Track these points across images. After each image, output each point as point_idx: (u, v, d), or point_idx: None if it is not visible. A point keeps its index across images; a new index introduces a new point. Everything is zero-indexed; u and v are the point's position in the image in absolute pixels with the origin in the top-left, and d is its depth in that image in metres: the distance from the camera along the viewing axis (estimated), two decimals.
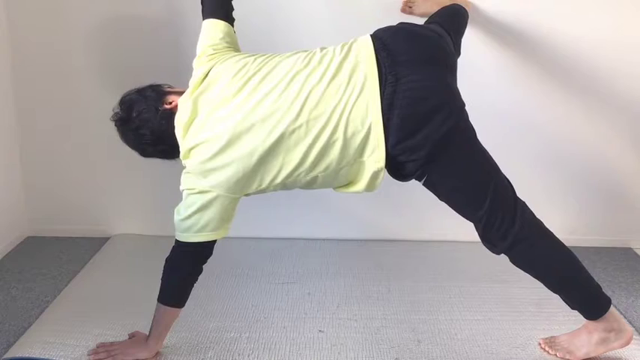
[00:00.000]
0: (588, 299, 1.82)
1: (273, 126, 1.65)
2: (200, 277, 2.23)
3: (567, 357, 1.85)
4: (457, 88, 1.80)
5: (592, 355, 1.84)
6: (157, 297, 1.80)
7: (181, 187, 1.79)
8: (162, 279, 1.79)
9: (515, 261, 1.80)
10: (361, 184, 1.72)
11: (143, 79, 2.64)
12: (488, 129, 2.63)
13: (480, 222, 1.76)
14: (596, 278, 2.41)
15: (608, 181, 2.73)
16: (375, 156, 1.66)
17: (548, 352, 1.88)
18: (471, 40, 2.59)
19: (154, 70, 2.63)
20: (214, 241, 1.77)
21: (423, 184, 1.75)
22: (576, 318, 1.85)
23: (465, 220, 1.85)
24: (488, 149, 1.86)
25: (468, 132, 1.76)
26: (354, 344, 1.92)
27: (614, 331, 1.82)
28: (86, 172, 2.76)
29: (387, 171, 1.72)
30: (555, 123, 2.66)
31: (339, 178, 1.73)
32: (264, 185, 1.71)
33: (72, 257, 2.60)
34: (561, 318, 2.03)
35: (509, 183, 1.82)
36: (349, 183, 1.76)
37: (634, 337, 1.86)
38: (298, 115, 1.64)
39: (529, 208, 1.82)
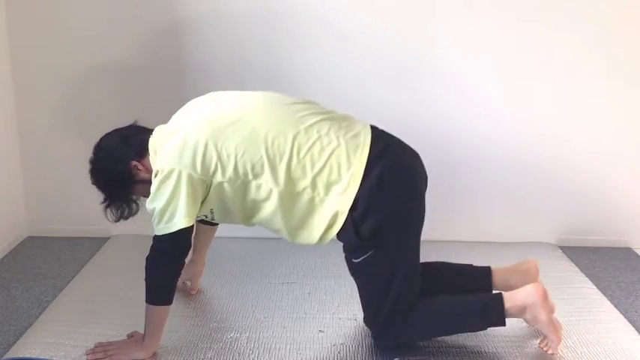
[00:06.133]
0: (483, 319, 1.84)
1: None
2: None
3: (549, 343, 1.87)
4: None
5: (550, 326, 1.82)
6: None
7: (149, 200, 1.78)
8: (147, 279, 1.79)
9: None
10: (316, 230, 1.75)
11: (143, 80, 2.66)
12: (490, 133, 2.66)
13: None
14: (596, 278, 2.44)
15: (608, 182, 2.73)
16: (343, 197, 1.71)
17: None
18: (468, 44, 2.60)
19: (154, 71, 2.64)
20: (191, 231, 1.76)
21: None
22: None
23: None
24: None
25: None
26: (354, 344, 1.91)
27: (526, 308, 1.79)
28: (86, 172, 2.73)
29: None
30: (555, 123, 2.66)
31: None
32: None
33: (72, 257, 2.60)
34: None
35: None
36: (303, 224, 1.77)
37: (541, 286, 1.82)
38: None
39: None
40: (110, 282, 2.31)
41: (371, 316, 1.87)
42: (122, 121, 2.67)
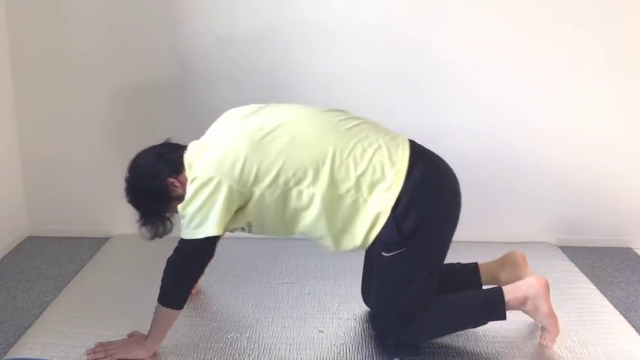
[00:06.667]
0: (484, 314, 1.85)
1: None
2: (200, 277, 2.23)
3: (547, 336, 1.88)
4: None
5: (551, 317, 1.84)
6: (156, 297, 1.78)
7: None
8: (164, 280, 1.78)
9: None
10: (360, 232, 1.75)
11: (144, 80, 2.66)
12: (489, 133, 2.66)
13: None
14: (596, 278, 2.44)
15: (608, 182, 2.73)
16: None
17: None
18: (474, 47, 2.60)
19: (155, 71, 2.64)
20: (217, 240, 1.76)
21: None
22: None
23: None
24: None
25: None
26: (354, 344, 1.91)
27: (527, 300, 1.81)
28: (86, 172, 2.76)
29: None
30: (555, 123, 2.66)
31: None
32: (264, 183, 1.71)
33: (72, 257, 2.60)
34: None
35: None
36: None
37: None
38: None
39: None
40: (110, 282, 2.31)
41: (381, 313, 1.86)
42: (122, 121, 2.69)
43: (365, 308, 2.10)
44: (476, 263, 2.01)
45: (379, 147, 1.75)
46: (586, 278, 2.40)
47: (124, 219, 2.79)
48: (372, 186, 1.72)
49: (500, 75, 2.61)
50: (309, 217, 1.74)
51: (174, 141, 1.95)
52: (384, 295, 1.85)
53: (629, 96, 2.64)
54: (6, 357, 1.83)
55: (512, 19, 2.55)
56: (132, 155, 2.82)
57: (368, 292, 2.02)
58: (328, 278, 2.34)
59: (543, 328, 1.88)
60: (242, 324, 2.02)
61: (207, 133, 1.89)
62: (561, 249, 2.71)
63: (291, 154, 1.71)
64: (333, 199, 1.72)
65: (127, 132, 2.70)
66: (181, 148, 1.86)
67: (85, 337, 1.90)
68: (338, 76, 2.62)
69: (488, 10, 2.55)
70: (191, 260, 1.77)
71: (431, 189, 1.77)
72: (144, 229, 1.89)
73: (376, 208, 1.72)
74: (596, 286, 2.34)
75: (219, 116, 2.64)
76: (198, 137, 2.67)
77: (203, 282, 2.25)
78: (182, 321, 1.93)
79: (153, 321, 1.80)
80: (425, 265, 1.80)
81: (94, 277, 2.37)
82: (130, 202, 1.90)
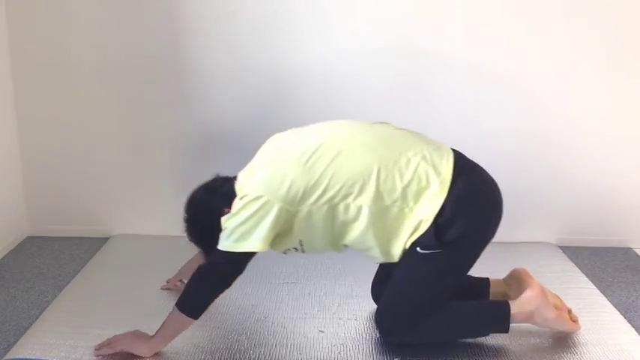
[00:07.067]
0: (489, 325, 1.88)
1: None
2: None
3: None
4: None
5: (561, 319, 1.89)
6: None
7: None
8: (189, 286, 1.78)
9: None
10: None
11: (144, 80, 2.66)
12: (489, 132, 2.66)
13: None
14: (596, 278, 2.44)
15: (607, 182, 2.73)
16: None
17: None
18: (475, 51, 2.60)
19: (155, 71, 2.64)
20: (250, 259, 1.77)
21: None
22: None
23: None
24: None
25: None
26: (355, 344, 1.91)
27: (533, 313, 1.85)
28: (86, 172, 2.76)
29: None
30: (555, 123, 2.66)
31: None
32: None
33: (72, 257, 2.60)
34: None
35: None
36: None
37: (544, 292, 1.88)
38: None
39: None
40: (110, 282, 2.31)
41: (393, 310, 1.85)
42: (122, 121, 2.69)
43: (365, 309, 2.11)
44: (487, 278, 2.03)
45: (424, 157, 1.76)
46: (586, 278, 2.40)
47: (124, 219, 2.81)
48: (418, 195, 1.73)
49: (500, 74, 2.61)
50: (358, 230, 1.76)
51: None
52: (404, 290, 1.83)
53: (629, 96, 2.64)
54: (6, 357, 1.83)
55: (511, 17, 2.55)
56: (132, 155, 2.84)
57: (379, 287, 2.01)
58: (328, 278, 2.34)
59: (562, 332, 1.91)
60: (242, 324, 2.02)
61: (254, 158, 1.91)
62: (561, 249, 2.70)
63: (336, 171, 1.72)
64: (380, 210, 1.73)
65: (127, 132, 2.70)
66: (231, 180, 1.87)
67: (85, 337, 1.89)
68: (338, 76, 2.62)
69: (488, 12, 2.55)
70: (222, 272, 1.77)
71: (476, 199, 1.79)
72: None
73: (420, 215, 1.74)
74: (596, 286, 2.34)
75: (219, 115, 2.67)
76: (198, 137, 2.70)
77: None
78: None
79: (165, 322, 1.79)
80: (455, 270, 1.83)
81: (94, 277, 2.37)
82: (191, 241, 1.91)
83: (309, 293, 2.23)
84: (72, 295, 2.22)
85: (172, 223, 2.77)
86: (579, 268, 2.50)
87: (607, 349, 1.89)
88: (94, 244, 2.69)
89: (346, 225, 1.76)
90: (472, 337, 1.90)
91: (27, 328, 2.00)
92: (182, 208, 2.73)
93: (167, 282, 2.23)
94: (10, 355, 1.84)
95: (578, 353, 1.87)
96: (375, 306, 2.02)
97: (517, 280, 1.96)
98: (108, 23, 2.58)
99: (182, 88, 2.64)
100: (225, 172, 2.69)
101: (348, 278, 2.34)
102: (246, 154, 2.69)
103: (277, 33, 2.58)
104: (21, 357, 1.80)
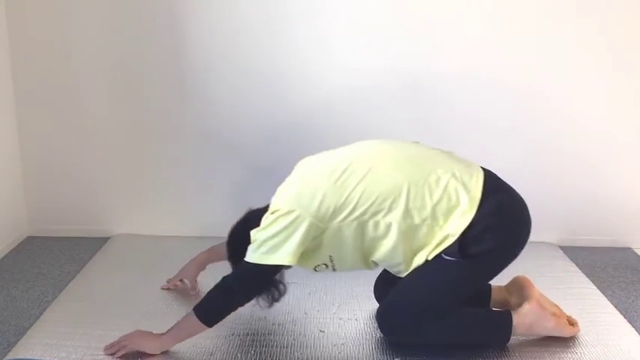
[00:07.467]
0: (491, 333, 1.89)
1: None
2: (200, 278, 2.24)
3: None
4: None
5: (560, 326, 1.91)
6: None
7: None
8: (211, 294, 1.78)
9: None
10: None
11: (144, 80, 2.66)
12: (489, 132, 2.66)
13: None
14: (596, 278, 2.44)
15: (608, 182, 2.73)
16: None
17: None
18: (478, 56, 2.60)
19: (154, 71, 2.64)
20: (278, 271, 1.78)
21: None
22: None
23: None
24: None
25: None
26: (355, 344, 1.92)
27: (532, 325, 1.87)
28: (86, 172, 2.76)
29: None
30: (555, 123, 2.66)
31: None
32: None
33: (72, 257, 2.60)
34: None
35: None
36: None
37: (540, 301, 1.90)
38: None
39: None
40: (110, 282, 2.31)
41: (397, 309, 1.84)
42: (122, 121, 2.69)
43: (366, 308, 2.11)
44: (489, 285, 2.03)
45: (453, 175, 1.77)
46: (586, 278, 2.40)
47: (124, 219, 2.81)
48: (448, 213, 1.74)
49: (500, 78, 2.61)
50: (387, 246, 1.76)
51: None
52: (414, 292, 1.82)
53: (630, 96, 2.64)
54: (7, 358, 1.82)
55: (511, 17, 2.56)
56: (132, 155, 2.84)
57: (382, 288, 2.02)
58: (329, 278, 2.34)
59: (564, 337, 1.92)
60: (242, 324, 2.02)
61: (286, 179, 1.90)
62: (561, 249, 2.71)
63: (366, 189, 1.73)
64: (409, 228, 1.74)
65: (128, 132, 2.70)
66: (264, 208, 1.87)
67: (85, 337, 1.90)
68: (338, 75, 2.63)
69: (488, 12, 2.55)
70: (247, 284, 1.78)
71: (505, 218, 1.80)
72: (261, 300, 1.91)
73: (448, 230, 1.74)
74: (596, 286, 2.34)
75: (219, 115, 2.67)
76: (198, 136, 2.70)
77: (203, 282, 2.25)
78: None
79: (178, 324, 1.80)
80: (471, 282, 1.84)
81: (94, 277, 2.37)
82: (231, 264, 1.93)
83: (309, 293, 2.23)
84: (72, 295, 2.22)
85: (172, 223, 2.80)
86: (579, 268, 2.50)
87: (607, 349, 1.90)
88: (94, 244, 2.69)
89: (376, 241, 1.77)
90: (472, 344, 1.89)
91: (27, 328, 2.00)
92: (182, 208, 2.78)
93: (167, 282, 2.24)
94: (11, 355, 1.84)
95: (578, 353, 1.88)
96: (375, 306, 2.02)
97: (518, 288, 1.97)
98: (108, 24, 2.58)
99: (182, 89, 2.64)
100: (226, 174, 2.73)
101: (349, 278, 2.33)
102: (246, 155, 2.71)
103: (277, 35, 2.58)
104: (21, 357, 1.80)
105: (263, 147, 2.69)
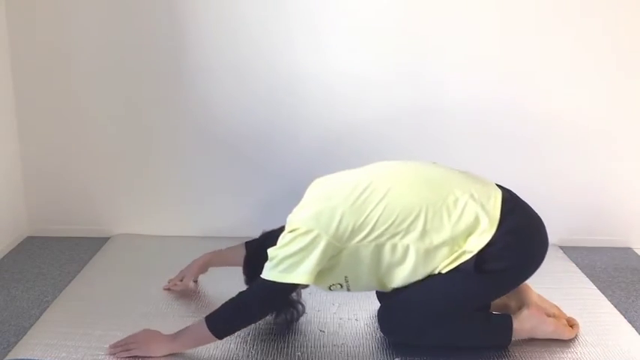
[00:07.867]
0: (492, 337, 1.89)
1: None
2: (200, 278, 2.24)
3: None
4: None
5: (560, 328, 1.92)
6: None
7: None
8: (225, 307, 1.77)
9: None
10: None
11: (144, 80, 2.66)
12: (489, 132, 2.66)
13: None
14: (596, 278, 2.44)
15: (608, 182, 2.73)
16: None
17: None
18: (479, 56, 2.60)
19: (155, 71, 2.64)
20: (295, 289, 1.78)
21: None
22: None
23: None
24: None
25: None
26: (355, 344, 1.91)
27: (532, 330, 1.89)
28: (86, 172, 2.76)
29: None
30: (555, 123, 2.66)
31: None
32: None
33: (72, 257, 2.59)
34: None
35: None
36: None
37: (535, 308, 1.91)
38: None
39: None
40: (110, 282, 2.31)
41: (402, 310, 1.84)
42: (122, 121, 2.69)
43: (366, 309, 2.11)
44: None
45: (471, 196, 1.76)
46: (586, 278, 2.40)
47: (124, 219, 2.81)
48: (467, 234, 1.74)
49: (501, 72, 2.61)
50: (406, 271, 1.76)
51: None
52: (422, 296, 1.81)
53: (630, 96, 2.64)
54: (7, 358, 1.82)
55: (511, 15, 2.56)
56: (132, 155, 2.84)
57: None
58: None
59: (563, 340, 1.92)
60: None
61: (302, 200, 1.90)
62: (561, 249, 2.71)
63: (385, 210, 1.73)
64: (428, 250, 1.74)
65: (128, 132, 2.70)
66: (280, 229, 1.86)
67: (86, 337, 1.90)
68: (338, 75, 2.63)
69: (489, 7, 2.55)
70: (262, 301, 1.78)
71: (523, 238, 1.80)
72: (278, 321, 1.92)
73: (465, 248, 1.74)
74: (596, 286, 2.34)
75: (219, 115, 2.67)
76: (198, 137, 2.70)
77: (203, 282, 2.25)
78: (183, 321, 1.93)
79: (188, 330, 1.79)
80: (481, 297, 1.85)
81: (94, 277, 2.37)
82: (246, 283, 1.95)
83: (309, 293, 2.23)
84: (72, 295, 2.22)
85: (172, 223, 2.80)
86: (580, 269, 2.50)
87: (607, 349, 1.90)
88: (94, 244, 2.69)
89: (393, 267, 1.76)
90: (473, 347, 1.88)
91: (27, 329, 2.00)
92: (182, 208, 2.78)
93: (169, 282, 2.23)
94: (11, 355, 1.83)
95: (578, 353, 1.88)
96: (376, 306, 2.02)
97: (516, 291, 1.95)
98: (108, 24, 2.58)
99: (182, 89, 2.64)
100: (226, 174, 2.73)
101: None
102: (246, 155, 2.71)
103: (278, 34, 2.58)
104: (22, 357, 1.80)
105: (263, 147, 2.68)
